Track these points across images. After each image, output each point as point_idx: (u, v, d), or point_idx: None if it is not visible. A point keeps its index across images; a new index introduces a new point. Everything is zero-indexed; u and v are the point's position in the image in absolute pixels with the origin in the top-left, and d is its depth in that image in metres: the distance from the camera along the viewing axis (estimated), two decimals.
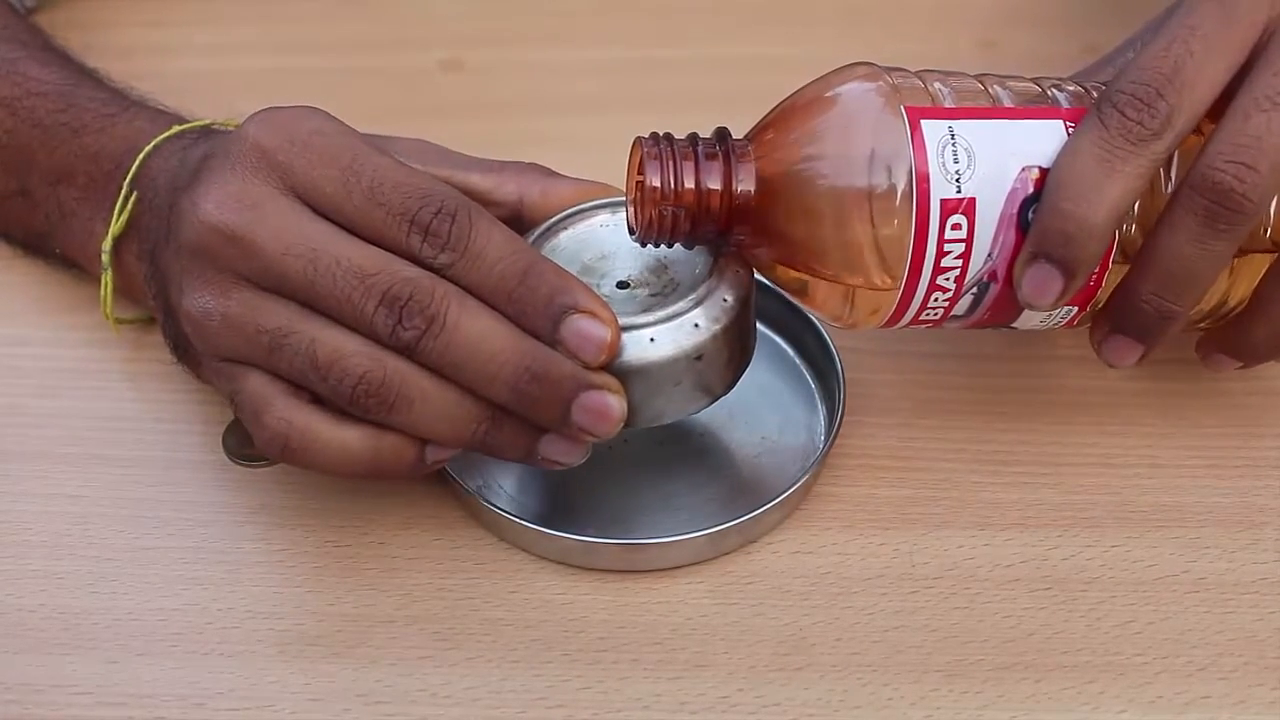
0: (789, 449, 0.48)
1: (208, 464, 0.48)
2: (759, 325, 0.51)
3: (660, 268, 0.45)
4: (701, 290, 0.43)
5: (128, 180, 0.48)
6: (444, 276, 0.41)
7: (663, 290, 0.44)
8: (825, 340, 0.49)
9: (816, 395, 0.50)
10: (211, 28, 0.70)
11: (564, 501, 0.46)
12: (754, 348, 0.46)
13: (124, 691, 0.42)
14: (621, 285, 0.45)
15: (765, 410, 0.47)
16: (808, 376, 0.51)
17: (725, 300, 0.43)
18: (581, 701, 0.41)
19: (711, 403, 0.45)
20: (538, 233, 0.46)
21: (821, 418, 0.49)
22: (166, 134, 0.49)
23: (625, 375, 0.42)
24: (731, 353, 0.44)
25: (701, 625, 0.43)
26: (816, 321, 0.50)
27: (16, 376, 0.51)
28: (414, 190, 0.41)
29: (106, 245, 0.48)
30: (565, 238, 0.46)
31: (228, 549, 0.45)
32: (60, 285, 0.54)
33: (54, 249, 0.52)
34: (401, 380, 0.40)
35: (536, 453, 0.42)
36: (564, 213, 0.46)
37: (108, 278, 0.49)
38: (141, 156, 0.48)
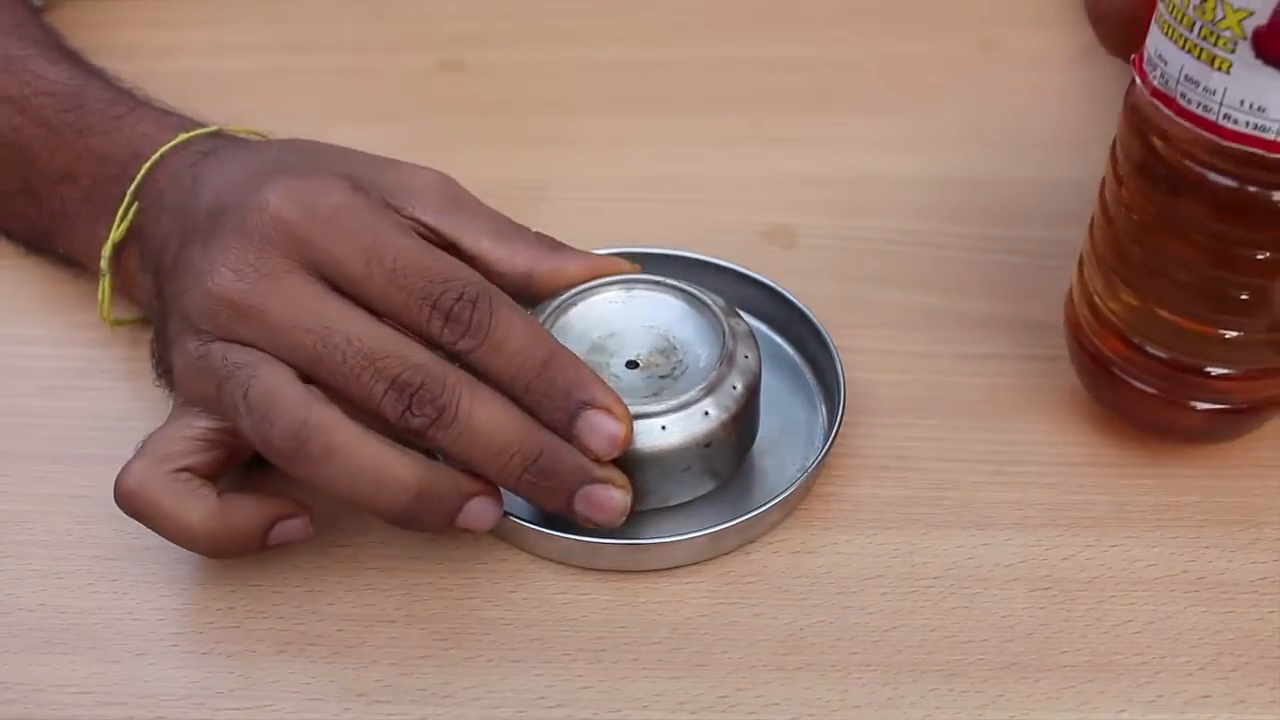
0: (789, 449, 0.48)
1: None
2: (759, 325, 0.51)
3: (669, 348, 0.46)
4: (712, 377, 0.44)
5: (131, 189, 0.48)
6: (463, 362, 0.41)
7: (671, 372, 0.45)
8: (825, 340, 0.49)
9: (816, 395, 0.50)
10: (211, 28, 0.70)
11: None
12: (758, 430, 0.47)
13: (124, 691, 0.42)
14: (631, 365, 0.46)
15: (765, 410, 0.47)
16: (808, 376, 0.51)
17: (734, 388, 0.44)
18: (581, 701, 0.41)
19: (718, 486, 0.46)
20: (549, 310, 0.46)
21: (821, 418, 0.49)
22: (173, 142, 0.49)
23: (637, 462, 0.43)
24: (739, 438, 0.45)
25: (701, 625, 0.43)
26: (816, 321, 0.50)
27: (17, 376, 0.51)
28: (437, 274, 0.42)
29: (106, 251, 0.48)
30: (575, 315, 0.46)
31: None
32: (61, 285, 0.54)
33: (57, 248, 0.52)
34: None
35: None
36: (575, 290, 0.47)
37: (106, 283, 0.49)
38: (147, 166, 0.48)
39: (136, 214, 0.48)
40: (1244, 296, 0.41)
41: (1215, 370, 0.43)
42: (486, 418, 0.41)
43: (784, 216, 0.58)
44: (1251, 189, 0.39)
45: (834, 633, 0.43)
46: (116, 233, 0.48)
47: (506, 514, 0.44)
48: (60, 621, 0.43)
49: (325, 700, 0.41)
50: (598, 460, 0.42)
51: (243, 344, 0.41)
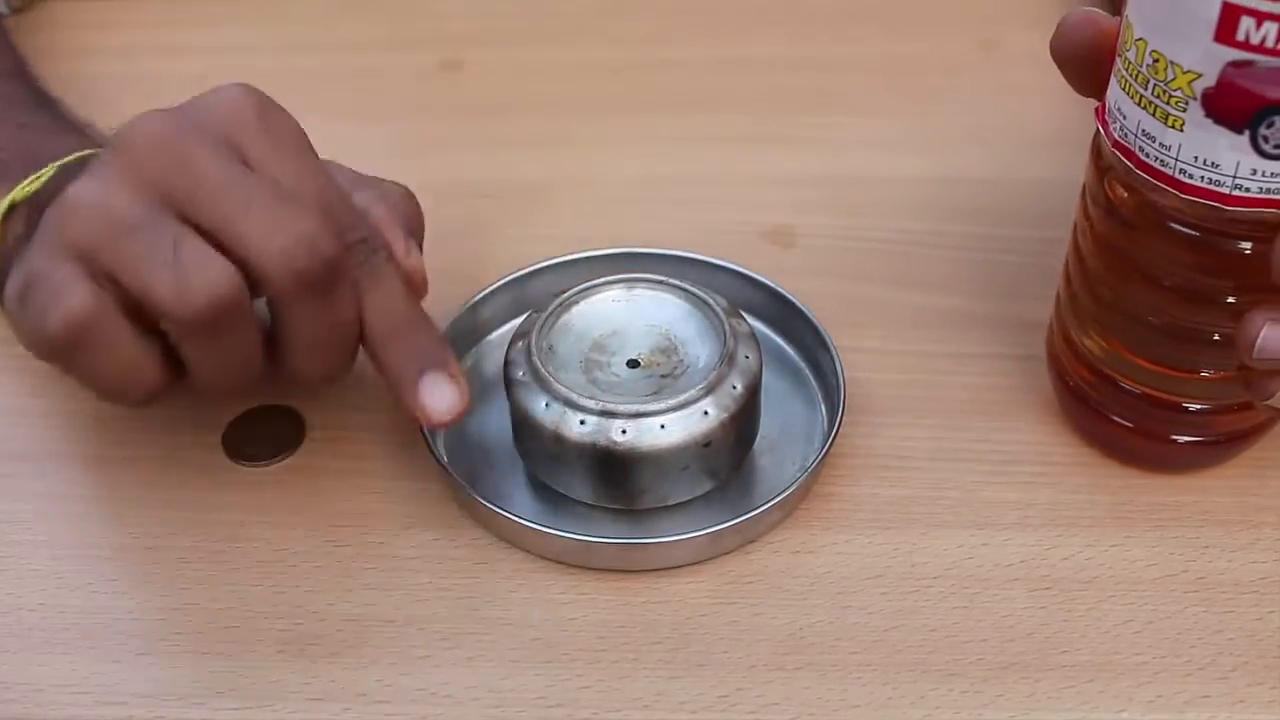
0: (789, 449, 0.48)
1: (208, 464, 0.48)
2: (760, 325, 0.51)
3: (670, 348, 0.46)
4: (712, 377, 0.44)
5: (57, 163, 0.47)
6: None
7: (673, 371, 0.45)
8: (825, 340, 0.49)
9: (817, 395, 0.50)
10: (211, 28, 0.70)
11: (564, 500, 0.46)
12: (759, 431, 0.47)
13: (124, 691, 0.42)
14: (632, 364, 0.46)
15: (765, 410, 0.47)
16: (808, 376, 0.51)
17: (734, 388, 0.44)
18: (581, 701, 0.41)
19: (716, 486, 0.46)
20: (550, 308, 0.46)
21: (821, 418, 0.49)
22: None
23: (636, 459, 0.43)
24: (739, 438, 0.45)
25: (701, 625, 0.43)
26: (816, 321, 0.50)
27: (16, 376, 0.51)
28: (358, 213, 0.42)
29: (1, 205, 0.47)
30: (576, 313, 0.47)
31: (228, 549, 0.45)
32: None
33: None
34: (247, 311, 0.40)
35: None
36: (577, 288, 0.47)
37: None
38: (88, 152, 0.47)
39: (48, 180, 0.47)
40: (1214, 338, 0.42)
41: (1193, 406, 0.44)
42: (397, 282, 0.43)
43: (784, 216, 0.58)
44: (1213, 237, 0.39)
45: (834, 633, 0.43)
46: (19, 192, 0.47)
47: (507, 514, 0.44)
48: (60, 621, 0.43)
49: (325, 700, 0.41)
50: (429, 420, 0.43)
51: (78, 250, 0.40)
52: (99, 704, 0.41)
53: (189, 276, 0.39)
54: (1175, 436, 0.45)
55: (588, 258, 0.52)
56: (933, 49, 0.68)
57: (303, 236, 0.39)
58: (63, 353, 0.40)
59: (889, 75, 0.66)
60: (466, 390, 0.43)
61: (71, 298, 0.39)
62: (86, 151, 0.48)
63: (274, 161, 0.41)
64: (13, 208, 0.47)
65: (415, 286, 0.44)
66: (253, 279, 0.40)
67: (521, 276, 0.52)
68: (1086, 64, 0.41)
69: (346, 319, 0.42)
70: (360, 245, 0.42)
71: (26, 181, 0.47)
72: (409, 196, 0.47)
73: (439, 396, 0.42)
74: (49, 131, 0.52)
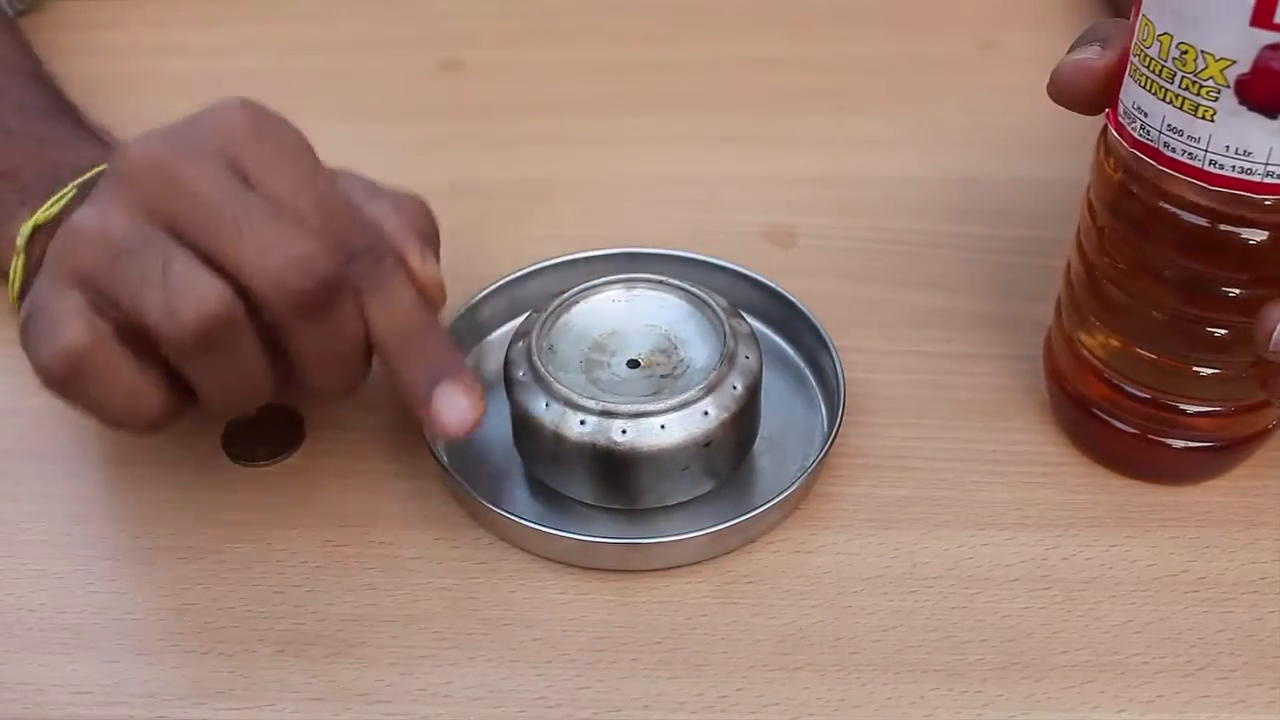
0: (789, 449, 0.48)
1: (208, 464, 0.48)
2: (760, 325, 0.51)
3: (670, 348, 0.46)
4: (712, 377, 0.44)
5: (77, 180, 0.47)
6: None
7: (673, 371, 0.45)
8: (825, 340, 0.49)
9: (817, 395, 0.50)
10: (211, 28, 0.70)
11: (564, 500, 0.46)
12: (759, 431, 0.47)
13: (124, 691, 0.42)
14: (632, 364, 0.46)
15: (765, 410, 0.47)
16: (808, 376, 0.51)
17: (735, 388, 0.44)
18: (581, 701, 0.41)
19: (717, 486, 0.46)
20: (550, 308, 0.46)
21: (822, 418, 0.49)
22: None
23: (636, 459, 0.43)
24: (739, 438, 0.45)
25: (701, 625, 0.43)
26: (816, 321, 0.50)
27: (16, 376, 0.51)
28: (359, 220, 0.42)
29: (25, 229, 0.47)
30: (576, 313, 0.47)
31: (228, 549, 0.45)
32: None
33: None
34: (244, 328, 0.40)
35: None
36: (577, 288, 0.47)
37: (19, 262, 0.47)
38: (105, 167, 0.47)
39: (70, 201, 0.47)
40: (1222, 333, 0.42)
41: (1192, 408, 0.44)
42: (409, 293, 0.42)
43: (784, 216, 0.58)
44: (1233, 229, 0.39)
45: (834, 633, 0.43)
46: (43, 214, 0.47)
47: (507, 514, 0.44)
48: (60, 621, 0.43)
49: (325, 700, 0.41)
50: (445, 432, 0.42)
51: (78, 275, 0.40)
52: (99, 704, 0.41)
53: (178, 296, 0.38)
54: (1174, 441, 0.45)
55: (588, 258, 0.52)
56: (933, 49, 0.68)
57: (296, 258, 0.39)
58: (61, 385, 0.40)
59: (889, 75, 0.66)
60: (481, 398, 0.42)
61: (67, 330, 0.39)
62: (105, 166, 0.47)
63: (272, 175, 0.41)
64: (36, 230, 0.47)
65: (431, 296, 0.44)
66: (251, 300, 0.40)
67: (521, 276, 0.52)
68: (1087, 105, 0.42)
69: (351, 333, 0.41)
70: (365, 255, 0.41)
71: (48, 204, 0.47)
72: (423, 206, 0.46)
73: (453, 407, 0.42)
74: (68, 146, 0.51)
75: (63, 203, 0.47)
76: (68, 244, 0.40)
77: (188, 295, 0.38)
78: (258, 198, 0.40)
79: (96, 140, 0.52)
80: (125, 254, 0.39)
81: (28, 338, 0.40)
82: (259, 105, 0.42)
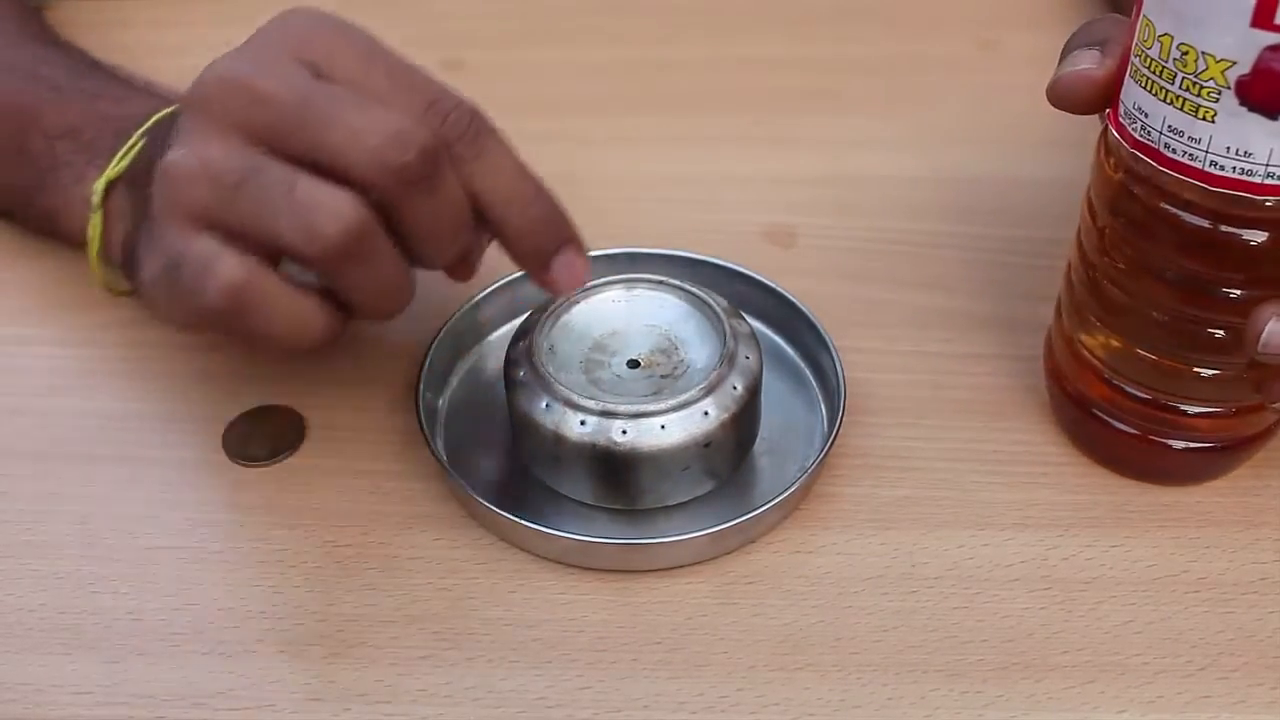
0: (789, 449, 0.48)
1: (208, 464, 0.48)
2: (760, 325, 0.51)
3: (671, 348, 0.46)
4: (713, 377, 0.44)
5: (141, 130, 0.47)
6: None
7: (673, 371, 0.45)
8: (825, 340, 0.49)
9: (817, 395, 0.50)
10: (212, 28, 0.70)
11: (564, 500, 0.46)
12: (759, 431, 0.47)
13: (124, 691, 0.42)
14: (632, 364, 0.46)
15: (765, 410, 0.47)
16: (808, 376, 0.51)
17: (735, 389, 0.44)
18: (581, 701, 0.41)
19: (717, 486, 0.46)
20: (551, 308, 0.46)
21: (822, 418, 0.49)
22: None
23: (636, 460, 0.43)
24: (739, 438, 0.45)
25: (701, 625, 0.43)
26: (816, 321, 0.50)
27: (17, 376, 0.51)
28: (436, 85, 0.42)
29: (99, 185, 0.47)
30: (577, 313, 0.47)
31: (228, 549, 0.45)
32: (60, 285, 0.54)
33: (35, 208, 0.51)
34: (378, 231, 0.40)
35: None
36: (577, 288, 0.47)
37: (97, 219, 0.47)
38: (166, 111, 0.47)
39: (140, 150, 0.47)
40: (1222, 334, 0.42)
41: (1193, 409, 0.44)
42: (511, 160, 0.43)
43: (784, 216, 0.58)
44: (1234, 230, 0.39)
45: (834, 633, 0.43)
46: (115, 169, 0.47)
47: (507, 514, 0.44)
48: (60, 621, 0.43)
49: (325, 700, 0.41)
50: (558, 291, 0.44)
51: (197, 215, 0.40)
52: (99, 704, 0.41)
53: (312, 217, 0.39)
54: (1174, 442, 0.45)
55: (588, 258, 0.52)
56: (932, 49, 0.68)
57: (391, 134, 0.39)
58: (227, 321, 0.40)
59: (889, 75, 0.66)
60: (589, 258, 0.44)
61: (222, 268, 0.40)
62: (165, 111, 0.48)
63: (348, 62, 0.41)
64: (110, 185, 0.47)
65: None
66: (359, 187, 0.40)
67: (522, 276, 0.52)
68: (1087, 111, 0.42)
69: (457, 199, 0.41)
70: (456, 115, 0.41)
71: (118, 157, 0.47)
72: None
73: (571, 274, 0.43)
74: (119, 98, 0.51)
75: (132, 154, 0.47)
76: (176, 188, 0.40)
77: (321, 213, 0.39)
78: (337, 87, 0.40)
79: (145, 92, 0.52)
80: (242, 184, 0.39)
81: (177, 285, 0.40)
82: (312, 7, 0.42)
